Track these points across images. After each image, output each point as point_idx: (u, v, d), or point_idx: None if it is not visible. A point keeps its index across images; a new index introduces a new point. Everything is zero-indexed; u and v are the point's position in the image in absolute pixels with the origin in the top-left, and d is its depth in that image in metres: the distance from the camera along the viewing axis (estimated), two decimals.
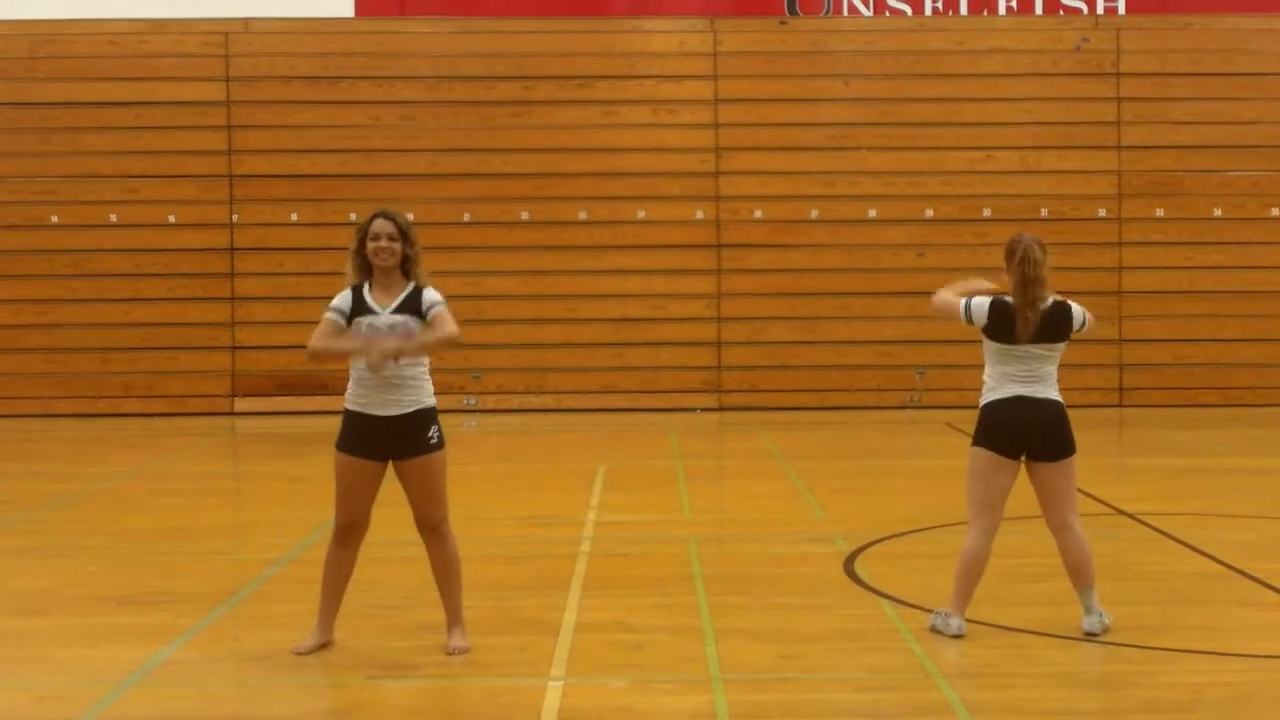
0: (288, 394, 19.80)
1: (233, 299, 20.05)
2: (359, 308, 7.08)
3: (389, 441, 7.07)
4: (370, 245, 7.08)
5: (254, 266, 20.00)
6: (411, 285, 7.12)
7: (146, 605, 8.45)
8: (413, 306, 7.07)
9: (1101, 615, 7.48)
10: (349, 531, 7.24)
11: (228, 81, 20.08)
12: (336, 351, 7.10)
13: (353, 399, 7.11)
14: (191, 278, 20.02)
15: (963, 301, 7.53)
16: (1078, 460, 7.50)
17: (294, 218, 19.95)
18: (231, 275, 20.05)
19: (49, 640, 7.69)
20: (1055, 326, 7.39)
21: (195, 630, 7.79)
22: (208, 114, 20.05)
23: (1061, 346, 7.47)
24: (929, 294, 7.76)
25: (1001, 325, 7.38)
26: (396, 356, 6.95)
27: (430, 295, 7.11)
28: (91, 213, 19.95)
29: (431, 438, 7.13)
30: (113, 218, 19.96)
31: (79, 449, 16.88)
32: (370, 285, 7.12)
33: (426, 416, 7.12)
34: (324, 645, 7.30)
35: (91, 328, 19.96)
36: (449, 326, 7.02)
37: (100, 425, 18.95)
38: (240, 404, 20.01)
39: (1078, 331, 7.53)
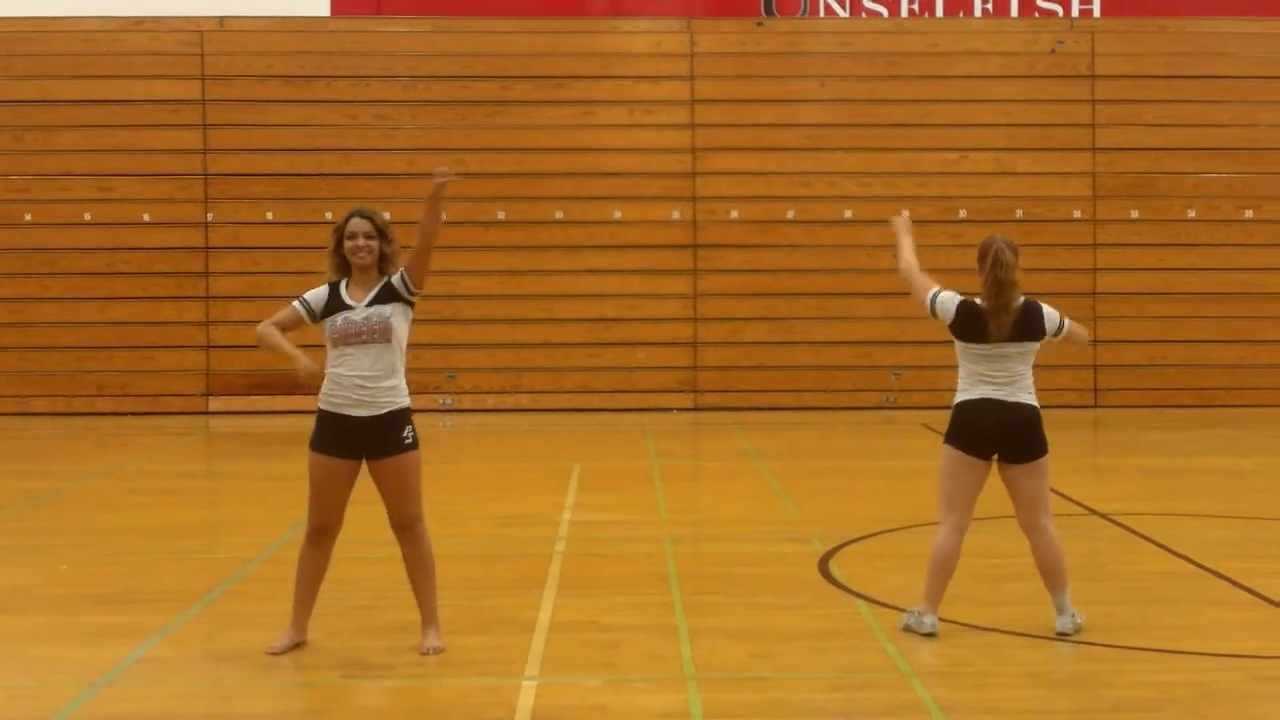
0: (262, 393, 19.76)
1: (208, 298, 19.99)
2: (335, 304, 7.08)
3: (363, 441, 7.06)
4: (348, 244, 7.08)
5: (229, 265, 19.95)
6: (385, 279, 7.12)
7: (120, 604, 8.43)
8: (389, 295, 7.08)
9: (1074, 615, 7.51)
10: (322, 532, 7.22)
11: (203, 80, 20.03)
12: (279, 349, 7.10)
13: (326, 399, 7.10)
14: (166, 276, 19.96)
15: (930, 294, 7.55)
16: (1050, 462, 7.53)
17: (269, 216, 19.91)
18: (206, 274, 19.99)
19: (22, 639, 7.67)
20: (1027, 327, 7.41)
21: (169, 629, 7.77)
22: (183, 112, 19.99)
23: (1034, 346, 7.48)
24: (905, 295, 7.77)
25: (970, 326, 7.40)
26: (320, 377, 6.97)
27: (393, 275, 7.10)
28: (66, 211, 19.88)
29: (406, 438, 7.11)
30: (87, 216, 19.89)
31: (53, 448, 16.82)
32: (348, 283, 7.12)
33: (400, 417, 7.10)
34: (298, 645, 7.29)
35: (66, 326, 19.89)
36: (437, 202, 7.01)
37: (74, 424, 18.89)
38: (215, 403, 19.96)
39: (1056, 336, 7.51)
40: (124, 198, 19.92)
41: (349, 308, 7.05)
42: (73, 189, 19.91)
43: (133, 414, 19.70)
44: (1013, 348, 7.40)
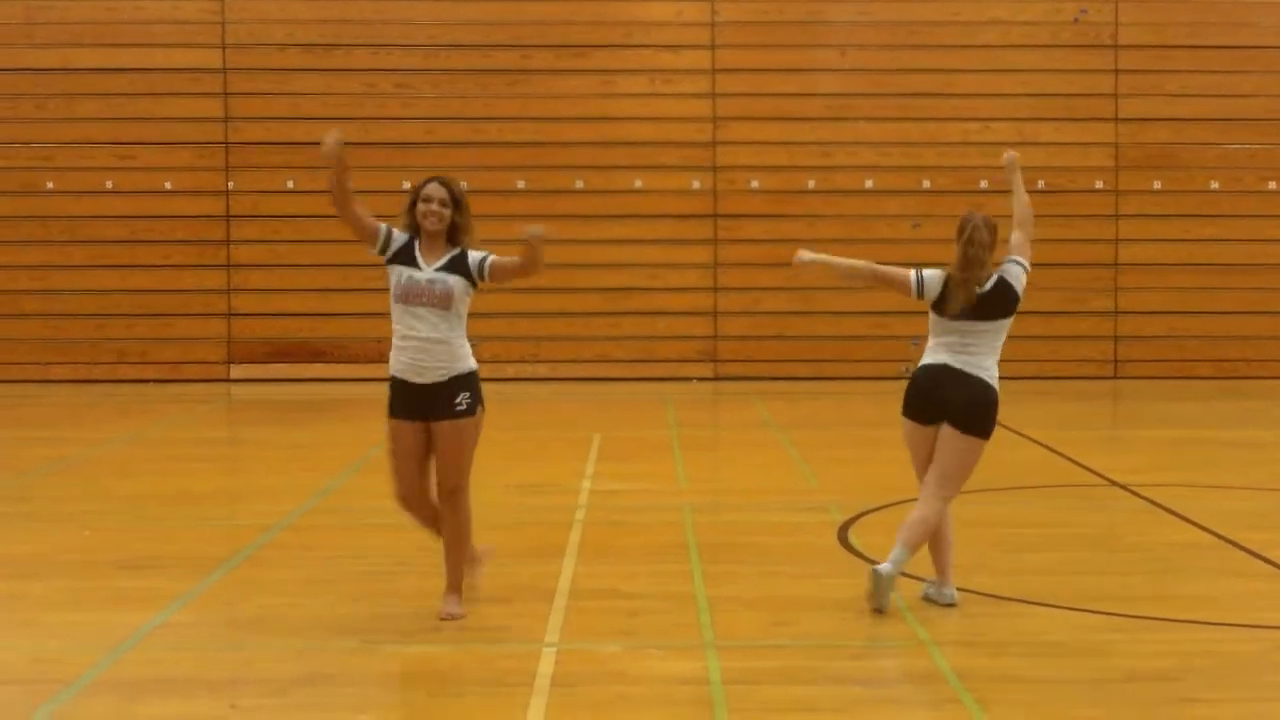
0: (283, 361, 19.81)
1: (228, 266, 20.03)
2: (407, 256, 7.13)
3: (424, 405, 7.12)
4: (421, 207, 7.12)
5: (250, 234, 19.98)
6: (458, 249, 7.15)
7: (142, 570, 8.48)
8: (460, 267, 7.11)
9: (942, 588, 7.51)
10: (405, 501, 7.29)
11: (224, 48, 20.03)
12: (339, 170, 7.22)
13: (392, 364, 7.18)
14: (187, 244, 20.00)
15: (914, 274, 7.52)
16: (981, 450, 7.40)
17: (290, 185, 19.92)
18: (227, 242, 20.02)
19: (45, 604, 7.73)
20: (992, 305, 7.35)
21: (190, 595, 7.81)
22: (204, 80, 19.99)
23: (1004, 323, 7.41)
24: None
25: (944, 300, 7.40)
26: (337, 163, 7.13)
27: (475, 254, 7.16)
28: (87, 179, 19.92)
29: (459, 404, 7.13)
30: (108, 184, 19.93)
31: (74, 414, 16.90)
32: (419, 244, 7.15)
33: (459, 382, 7.14)
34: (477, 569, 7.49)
35: (87, 294, 19.95)
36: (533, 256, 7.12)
37: (95, 391, 18.96)
38: (236, 371, 20.02)
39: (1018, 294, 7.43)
40: (145, 166, 19.95)
41: (417, 266, 7.08)
42: (94, 157, 19.94)
43: (154, 381, 19.76)
44: (984, 325, 7.36)
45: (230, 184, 20.01)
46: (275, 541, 9.26)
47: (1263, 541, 9.04)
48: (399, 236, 7.17)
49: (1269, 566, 8.48)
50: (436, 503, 7.35)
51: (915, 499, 7.49)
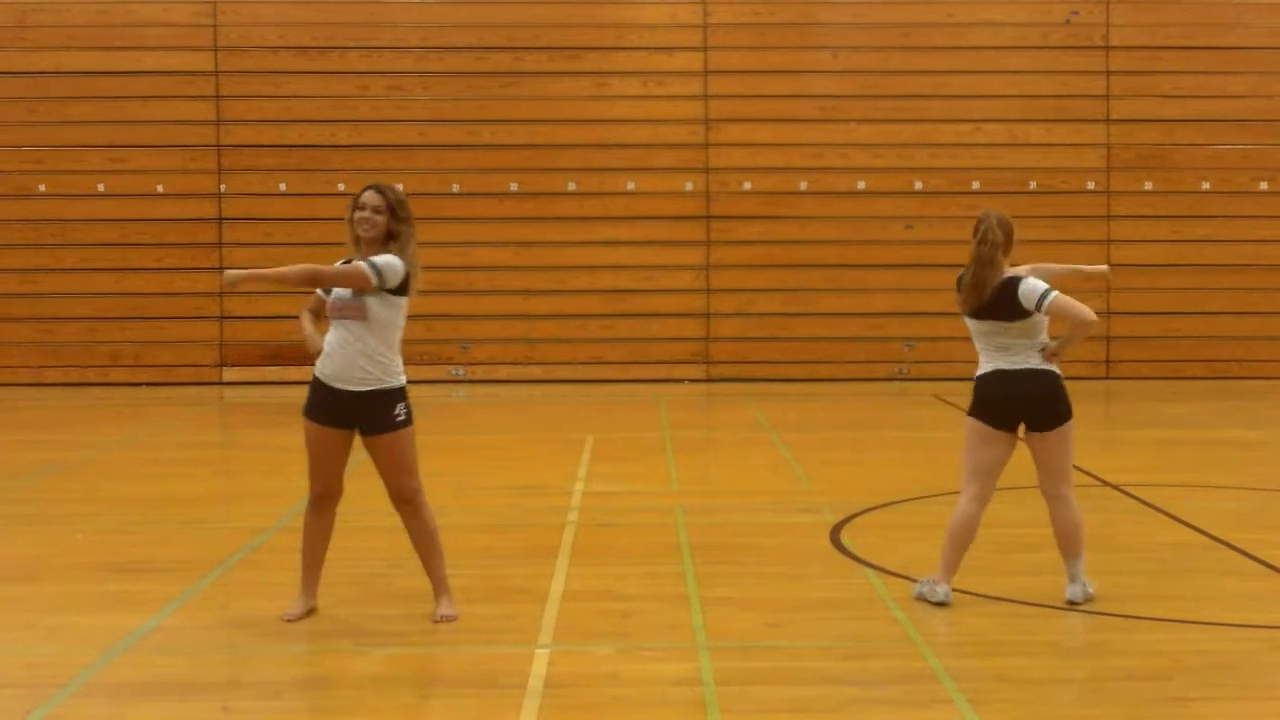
0: (276, 363, 19.81)
1: (220, 269, 19.99)
2: None
3: (353, 415, 7.08)
4: (355, 215, 7.08)
5: (242, 236, 19.98)
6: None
7: (135, 573, 8.47)
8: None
9: (1085, 585, 7.52)
10: (323, 498, 7.27)
11: (216, 51, 20.03)
12: (301, 332, 7.22)
13: (319, 365, 7.12)
14: (179, 247, 20.00)
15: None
16: (1074, 429, 7.49)
17: (282, 188, 19.93)
18: (219, 245, 20.02)
19: (38, 607, 7.72)
20: (999, 306, 7.33)
21: (183, 598, 7.81)
22: (196, 84, 20.00)
23: (1017, 325, 7.34)
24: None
25: (960, 297, 7.47)
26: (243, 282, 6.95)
27: (388, 257, 7.02)
28: (79, 182, 19.92)
29: (398, 416, 7.09)
30: (100, 187, 19.93)
31: (67, 418, 16.88)
32: (359, 257, 7.12)
33: (390, 396, 7.07)
34: (310, 611, 7.33)
35: (79, 297, 19.95)
36: (299, 268, 7.08)
37: (88, 395, 18.95)
38: (228, 373, 20.02)
39: (1038, 311, 7.31)
40: (137, 169, 19.95)
41: None
42: (86, 160, 19.94)
43: (146, 384, 19.76)
44: (990, 325, 7.38)
45: (222, 187, 20.00)
46: (268, 544, 9.25)
47: (1255, 542, 9.06)
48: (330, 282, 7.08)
49: (1261, 566, 8.49)
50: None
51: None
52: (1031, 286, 7.31)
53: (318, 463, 7.19)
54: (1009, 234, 7.38)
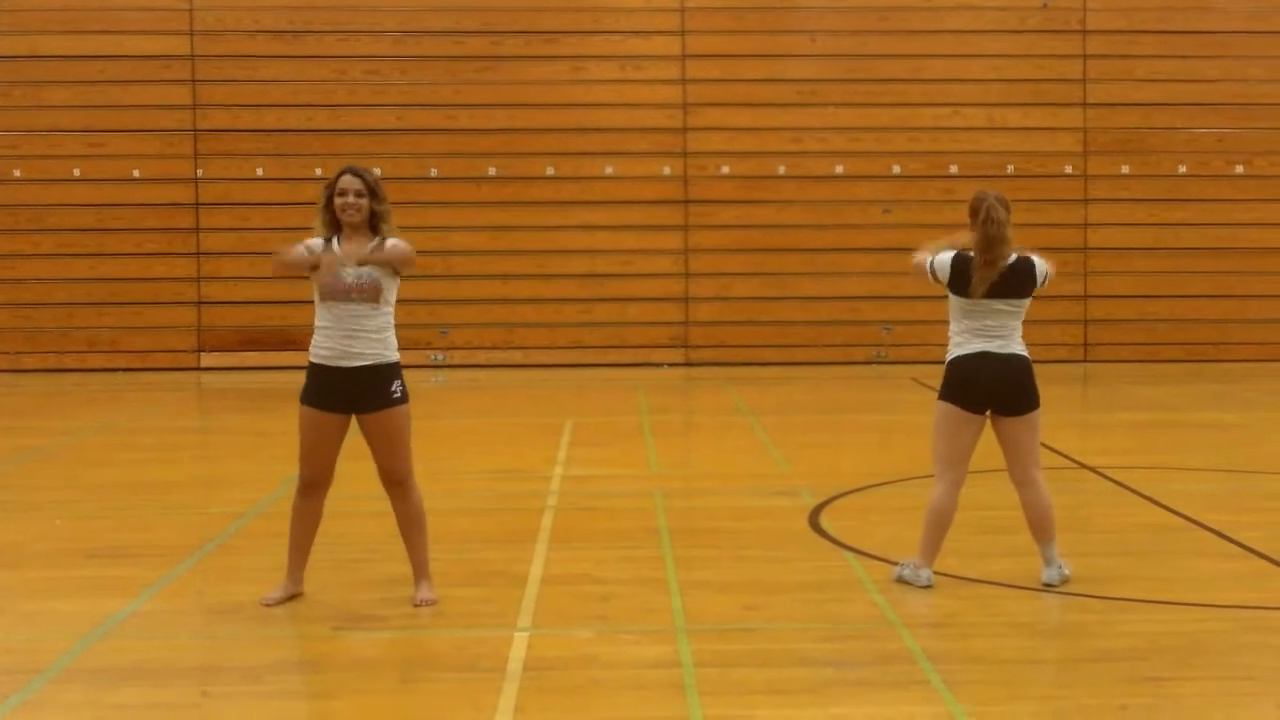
0: (254, 349, 19.77)
1: (198, 254, 19.97)
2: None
3: (351, 394, 7.08)
4: (338, 201, 7.07)
5: (219, 221, 19.93)
6: (378, 239, 7.12)
7: (113, 559, 8.46)
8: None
9: (1061, 567, 7.56)
10: (313, 485, 7.26)
11: (192, 35, 19.95)
12: (296, 261, 7.13)
13: (315, 351, 7.12)
14: (157, 233, 19.94)
15: (928, 260, 7.57)
16: (1041, 415, 7.56)
17: (259, 173, 19.87)
18: (197, 230, 19.97)
19: (16, 593, 7.71)
20: (1017, 283, 7.42)
21: (162, 583, 7.81)
22: (172, 68, 19.92)
23: (1025, 302, 7.50)
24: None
25: (964, 280, 7.42)
26: (361, 263, 6.98)
27: (393, 239, 7.13)
28: (55, 167, 19.84)
29: (395, 392, 7.13)
30: (76, 172, 19.85)
31: (44, 404, 16.84)
32: (339, 240, 7.12)
33: (389, 371, 7.11)
34: (292, 597, 7.34)
35: (56, 283, 19.88)
36: (401, 244, 7.09)
37: (65, 381, 18.90)
38: (206, 359, 19.97)
39: (1039, 288, 7.55)
40: (114, 154, 19.87)
41: (341, 265, 7.05)
42: (62, 145, 19.86)
43: (124, 370, 19.71)
44: (1007, 304, 7.42)
45: (199, 171, 19.94)
46: (247, 529, 9.25)
47: (1230, 523, 9.11)
48: (315, 244, 7.13)
49: (1235, 547, 8.54)
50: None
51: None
52: (1042, 264, 7.53)
53: (311, 449, 7.19)
54: (1009, 210, 7.44)
